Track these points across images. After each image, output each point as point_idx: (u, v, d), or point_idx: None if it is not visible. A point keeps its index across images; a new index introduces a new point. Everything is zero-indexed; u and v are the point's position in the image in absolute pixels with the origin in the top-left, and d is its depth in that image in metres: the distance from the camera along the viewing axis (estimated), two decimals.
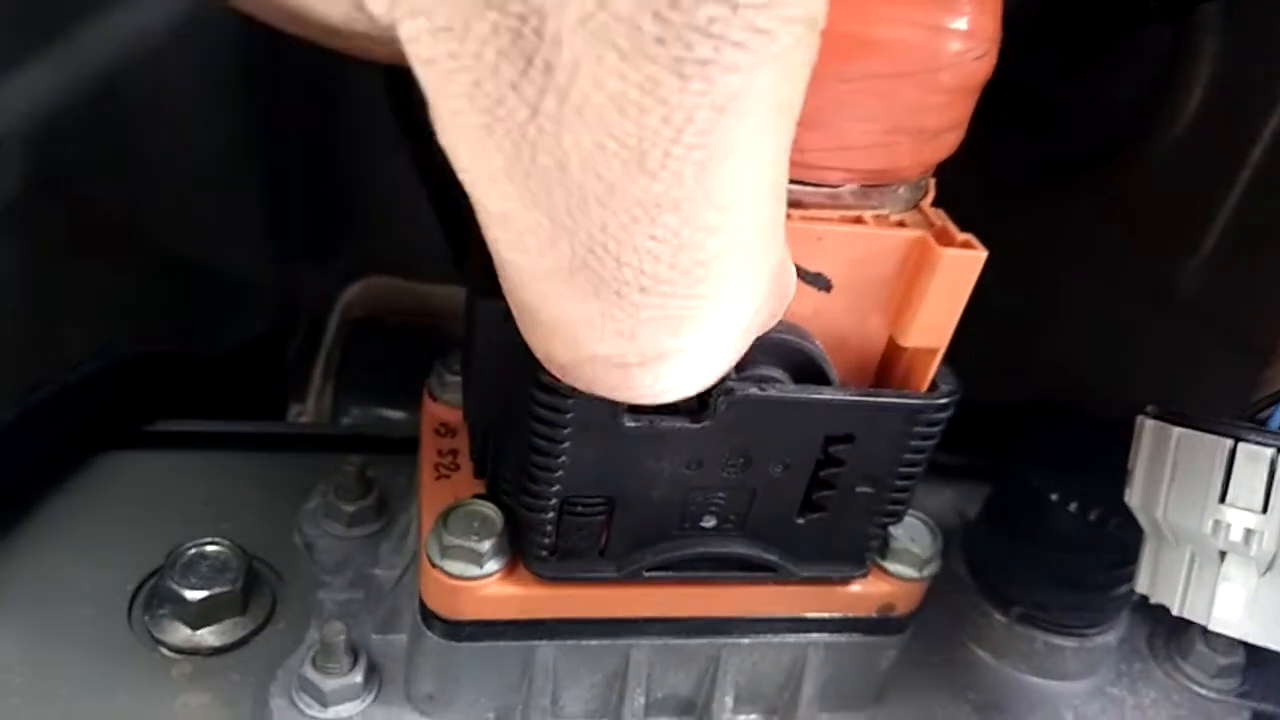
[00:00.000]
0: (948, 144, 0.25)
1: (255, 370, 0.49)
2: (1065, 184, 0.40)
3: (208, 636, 0.32)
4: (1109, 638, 0.39)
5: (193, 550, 0.33)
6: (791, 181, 0.24)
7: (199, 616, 0.32)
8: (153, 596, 0.33)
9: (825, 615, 0.31)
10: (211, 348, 0.44)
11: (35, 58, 0.30)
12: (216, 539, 0.33)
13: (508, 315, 0.27)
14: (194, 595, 0.32)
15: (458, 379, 0.34)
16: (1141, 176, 0.37)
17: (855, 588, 0.31)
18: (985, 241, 0.25)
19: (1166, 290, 0.41)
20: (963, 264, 0.25)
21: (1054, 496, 0.37)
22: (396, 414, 0.53)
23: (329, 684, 0.30)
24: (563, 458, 0.25)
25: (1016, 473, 0.38)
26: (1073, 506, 0.36)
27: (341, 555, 0.35)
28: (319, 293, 0.60)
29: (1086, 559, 0.37)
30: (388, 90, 0.50)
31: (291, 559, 0.35)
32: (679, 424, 0.25)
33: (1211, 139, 0.37)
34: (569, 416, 0.25)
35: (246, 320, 0.51)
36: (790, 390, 0.26)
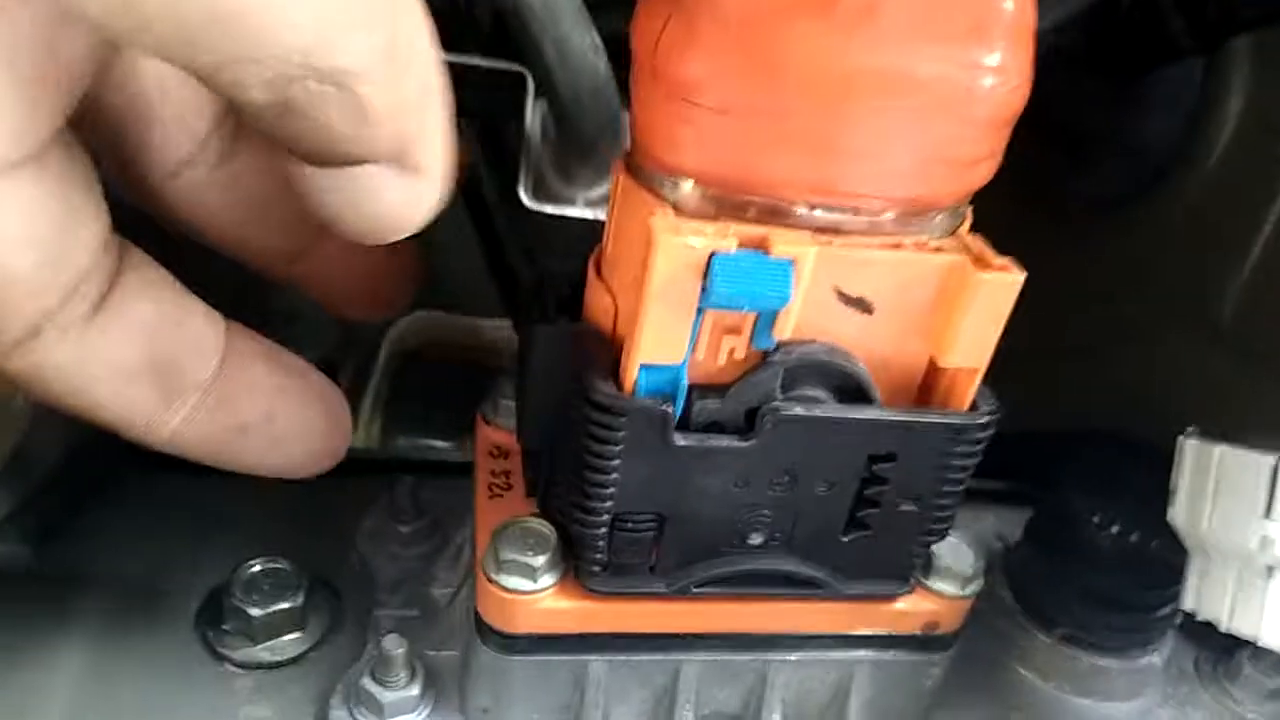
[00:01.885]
0: (982, 173, 0.26)
1: None
2: (1100, 214, 0.41)
3: (268, 652, 0.34)
4: (1154, 659, 0.39)
5: (255, 568, 0.34)
6: (833, 210, 0.25)
7: (261, 632, 0.33)
8: (216, 613, 0.34)
9: (871, 632, 0.32)
10: None
11: None
12: (277, 557, 0.35)
13: (561, 339, 0.29)
14: (257, 612, 0.33)
15: (510, 403, 0.35)
16: (1177, 207, 0.38)
17: (900, 605, 0.31)
18: (1023, 269, 0.26)
19: (1204, 317, 0.41)
20: (1001, 287, 0.26)
21: (1096, 519, 0.38)
22: (443, 444, 0.55)
23: (387, 696, 0.31)
24: (614, 475, 0.27)
25: (1058, 496, 0.39)
26: (1114, 528, 0.37)
27: (397, 574, 0.36)
28: (368, 327, 0.62)
29: (1129, 580, 0.37)
30: None
31: (348, 577, 0.36)
32: (727, 442, 0.26)
33: (1245, 169, 0.38)
34: (620, 434, 0.26)
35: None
36: (834, 409, 0.27)
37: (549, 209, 0.41)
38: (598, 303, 0.28)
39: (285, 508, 0.37)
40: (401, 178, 0.22)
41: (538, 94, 0.41)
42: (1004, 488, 0.43)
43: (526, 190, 0.41)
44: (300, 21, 0.18)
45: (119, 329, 0.24)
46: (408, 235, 0.24)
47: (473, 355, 0.66)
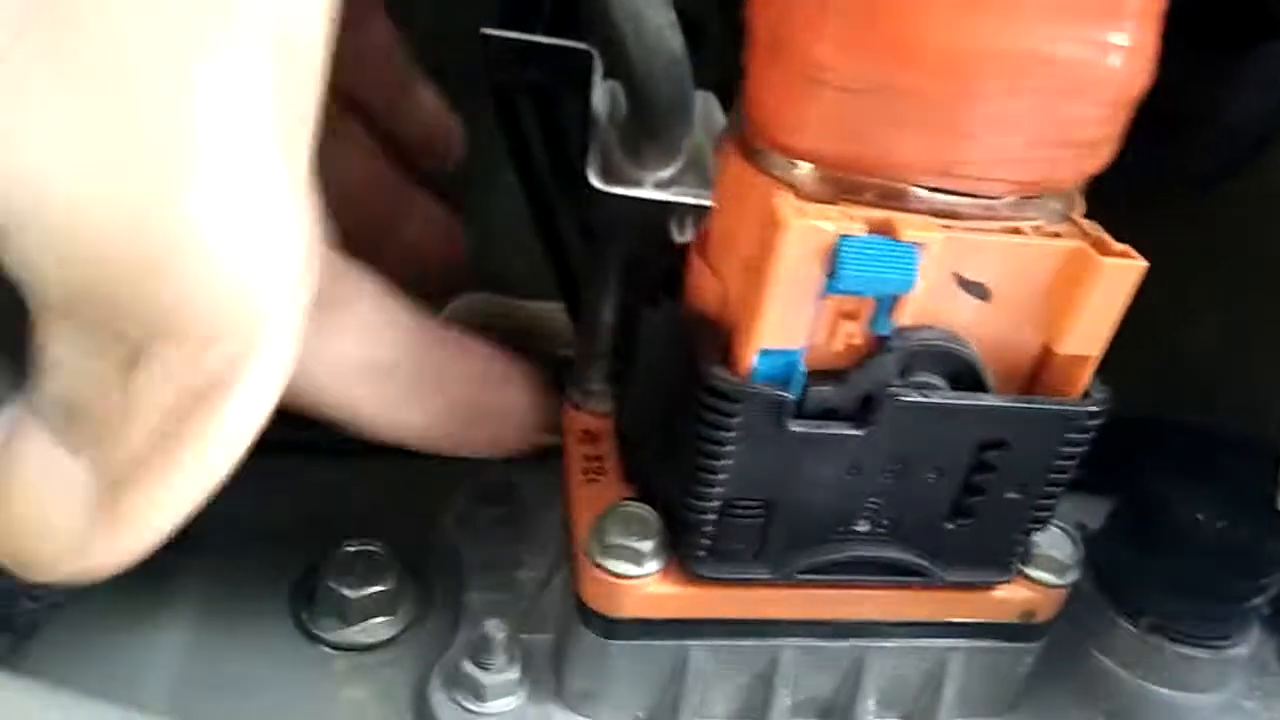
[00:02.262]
0: (1104, 156, 0.26)
1: None
2: (1194, 191, 0.40)
3: (362, 634, 0.34)
4: (1240, 650, 0.38)
5: (349, 551, 0.34)
6: (950, 193, 0.25)
7: (355, 614, 0.34)
8: (310, 595, 0.34)
9: (968, 620, 0.32)
10: None
11: None
12: (370, 540, 0.35)
13: (668, 324, 0.28)
14: (352, 594, 0.33)
15: (598, 389, 0.35)
16: (1271, 184, 0.37)
17: (999, 593, 0.31)
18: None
19: None
20: (1122, 273, 0.26)
21: (1181, 506, 0.37)
22: None
23: (488, 680, 0.31)
24: (726, 461, 0.26)
25: (1145, 482, 0.38)
26: (1205, 515, 0.36)
27: (485, 558, 0.36)
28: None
29: (1215, 568, 0.37)
30: (496, 110, 0.51)
31: (436, 562, 0.37)
32: (842, 429, 0.26)
33: None
34: (735, 420, 0.26)
35: None
36: (953, 397, 0.26)
37: (618, 190, 0.40)
38: (703, 286, 0.28)
39: (374, 491, 0.38)
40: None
41: (606, 73, 0.41)
42: (1083, 475, 0.43)
43: (595, 172, 0.41)
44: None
45: (351, 332, 0.26)
46: None
47: (525, 339, 0.66)
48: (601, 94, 0.41)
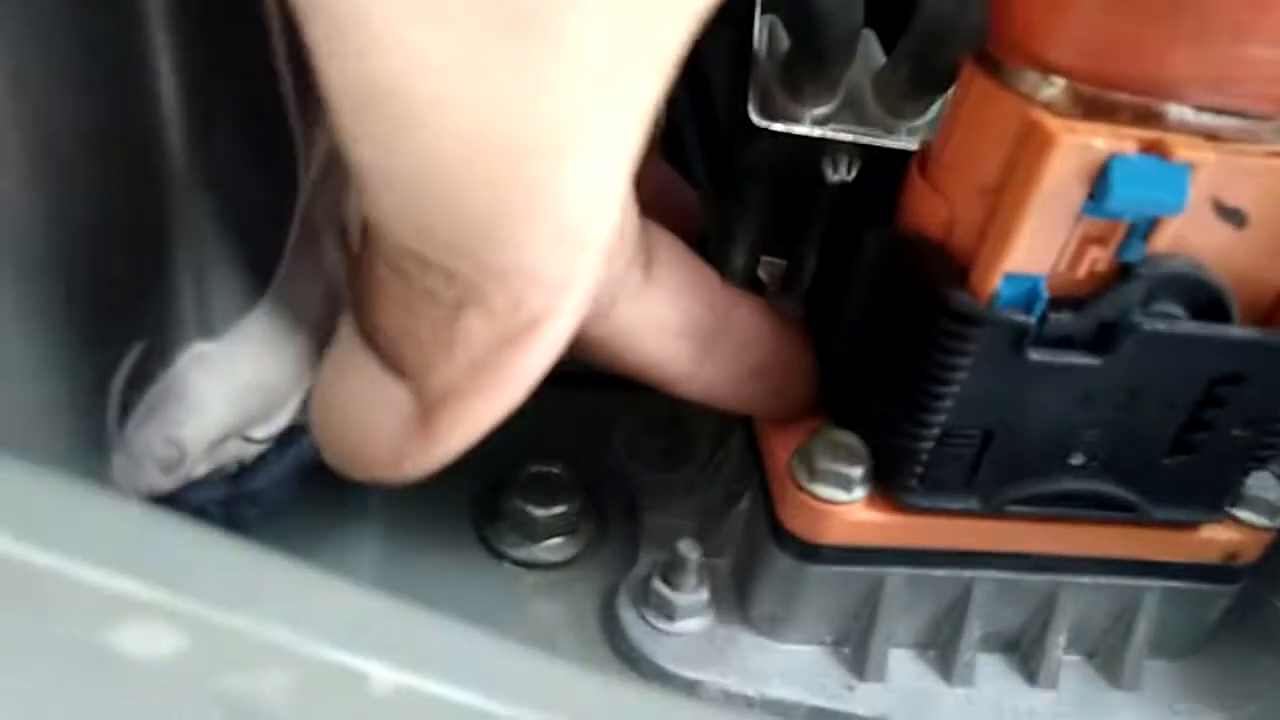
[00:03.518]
0: None
1: None
2: None
3: (546, 552, 0.34)
4: None
5: (533, 470, 0.35)
6: (1219, 112, 0.24)
7: (542, 533, 0.34)
8: (493, 512, 0.35)
9: (1168, 560, 0.31)
10: None
11: None
12: (551, 462, 0.35)
13: (893, 248, 0.28)
14: (539, 512, 0.34)
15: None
16: None
17: (1204, 533, 0.30)
18: None
19: None
20: None
21: None
22: None
23: (680, 600, 0.31)
24: (955, 388, 0.26)
25: None
26: None
27: (655, 484, 0.36)
28: None
29: None
30: None
31: (607, 487, 0.37)
32: (1080, 359, 0.26)
33: None
34: (972, 346, 0.25)
35: None
36: (1199, 328, 0.25)
37: (777, 126, 0.39)
38: (927, 209, 0.27)
39: (545, 415, 0.38)
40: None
41: (764, 8, 0.40)
42: None
43: (755, 107, 0.40)
44: None
45: (663, 293, 0.27)
46: None
47: None
48: (763, 29, 0.40)
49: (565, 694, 0.23)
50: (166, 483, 0.25)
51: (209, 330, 0.25)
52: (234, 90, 0.23)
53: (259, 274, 0.26)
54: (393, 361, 0.20)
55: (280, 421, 0.28)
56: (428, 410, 0.20)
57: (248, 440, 0.27)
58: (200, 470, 0.27)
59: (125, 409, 0.24)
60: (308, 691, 0.21)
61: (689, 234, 0.35)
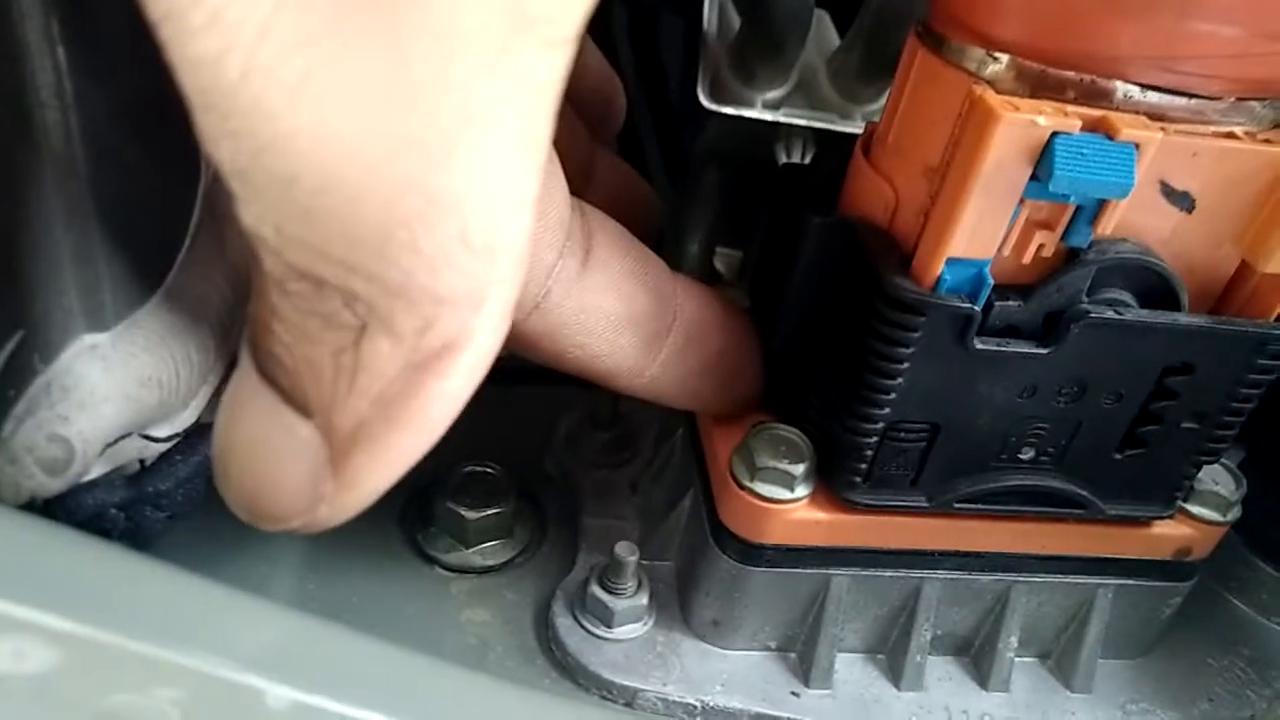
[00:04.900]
0: None
1: None
2: None
3: (479, 556, 0.33)
4: None
5: (466, 471, 0.33)
6: (1166, 91, 0.23)
7: (474, 536, 0.33)
8: (423, 515, 0.33)
9: (1120, 556, 0.30)
10: None
11: None
12: (486, 462, 0.34)
13: (836, 233, 0.27)
14: (471, 515, 0.32)
15: None
16: None
17: (1156, 529, 0.30)
18: None
19: None
20: None
21: None
22: None
23: (618, 604, 0.30)
24: (899, 380, 0.25)
25: None
26: None
27: (597, 483, 0.35)
28: None
29: None
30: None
31: (546, 486, 0.35)
32: (1026, 348, 0.25)
33: None
34: (916, 335, 0.24)
35: None
36: (1148, 316, 0.24)
37: (727, 110, 0.38)
38: (871, 192, 0.26)
39: (481, 413, 0.36)
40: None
41: None
42: None
43: (704, 91, 0.39)
44: None
45: (603, 282, 0.26)
46: None
47: None
48: (714, 12, 0.38)
49: (481, 712, 0.22)
50: (54, 484, 0.23)
51: (100, 322, 0.23)
52: (121, 77, 0.21)
53: (155, 264, 0.24)
54: (294, 396, 0.17)
55: (184, 419, 0.26)
56: (339, 451, 0.17)
57: (148, 439, 0.25)
58: (96, 471, 0.25)
59: (2, 406, 0.22)
60: (200, 708, 0.20)
61: (648, 233, 0.34)
